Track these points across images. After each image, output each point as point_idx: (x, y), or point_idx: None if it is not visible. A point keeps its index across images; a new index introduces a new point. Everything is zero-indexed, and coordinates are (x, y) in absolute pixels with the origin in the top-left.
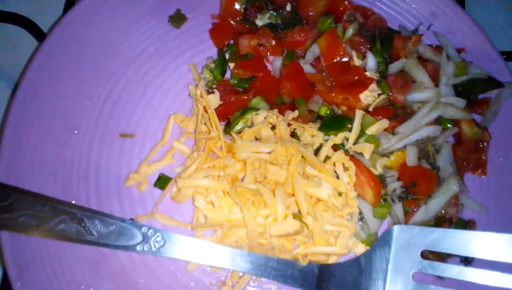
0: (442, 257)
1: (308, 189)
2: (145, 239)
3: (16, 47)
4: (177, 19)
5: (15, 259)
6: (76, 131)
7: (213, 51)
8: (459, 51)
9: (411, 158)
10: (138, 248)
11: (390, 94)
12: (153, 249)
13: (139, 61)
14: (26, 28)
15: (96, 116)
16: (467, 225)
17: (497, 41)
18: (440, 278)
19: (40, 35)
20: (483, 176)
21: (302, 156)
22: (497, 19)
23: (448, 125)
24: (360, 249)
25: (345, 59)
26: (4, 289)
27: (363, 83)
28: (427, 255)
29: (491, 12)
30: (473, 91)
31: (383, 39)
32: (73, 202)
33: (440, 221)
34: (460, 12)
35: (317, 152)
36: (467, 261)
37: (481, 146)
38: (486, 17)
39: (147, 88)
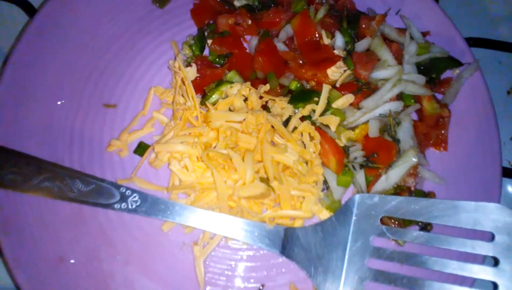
0: (402, 226)
1: (275, 155)
2: (123, 198)
3: (8, 22)
4: None
5: (1, 213)
6: (62, 101)
7: (194, 30)
8: (424, 34)
9: (373, 130)
10: (116, 206)
11: (355, 70)
12: (130, 207)
13: (124, 37)
14: (17, 4)
15: (82, 87)
16: (426, 196)
17: (467, 28)
18: (399, 244)
19: (31, 11)
20: (444, 152)
21: (272, 126)
22: (470, 7)
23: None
24: (325, 215)
25: (316, 39)
26: None
27: (331, 60)
28: (387, 222)
29: (461, 6)
30: (435, 69)
31: (350, 19)
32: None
33: (400, 191)
34: None
35: (286, 123)
36: (425, 229)
37: (442, 122)
38: (459, 5)
39: (131, 62)
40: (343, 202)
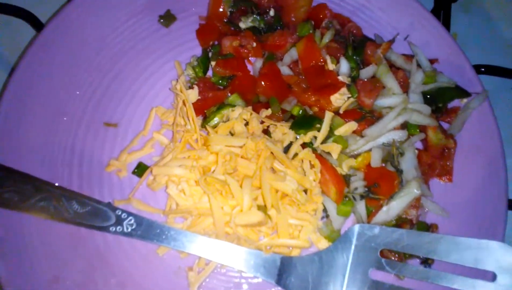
0: (402, 258)
1: (274, 182)
2: (119, 221)
3: (16, 36)
4: (167, 18)
5: None
6: (65, 118)
7: (198, 51)
8: (432, 61)
9: (376, 160)
10: (111, 229)
11: (359, 97)
12: (126, 231)
13: (128, 55)
14: (25, 20)
15: (84, 104)
16: (429, 228)
17: (478, 55)
18: (399, 278)
19: (38, 26)
20: (449, 183)
21: (272, 152)
22: (481, 33)
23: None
24: (323, 244)
25: (320, 64)
26: None
27: (335, 87)
28: (387, 254)
29: (475, 26)
30: (441, 99)
31: (356, 46)
32: (57, 184)
33: (401, 222)
34: (436, 24)
35: (287, 149)
36: (426, 263)
37: (447, 152)
38: (470, 31)
39: (134, 81)
40: (342, 231)
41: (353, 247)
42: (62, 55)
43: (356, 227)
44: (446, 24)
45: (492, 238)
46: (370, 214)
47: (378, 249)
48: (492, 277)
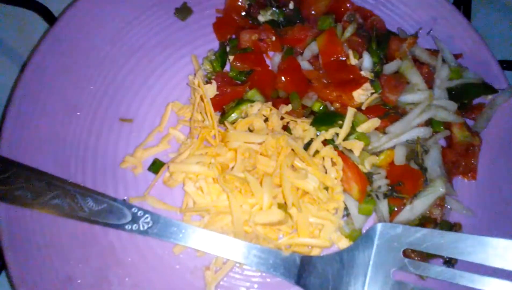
0: (425, 257)
1: (294, 180)
2: (134, 219)
3: (28, 29)
4: (183, 11)
5: (9, 230)
6: (78, 113)
7: (215, 44)
8: (457, 56)
9: (399, 157)
10: (127, 227)
11: (382, 93)
12: (141, 229)
13: (143, 49)
14: (38, 12)
15: (98, 99)
16: (452, 227)
17: (499, 50)
18: (422, 278)
19: (51, 19)
20: (473, 181)
21: (292, 149)
22: (502, 28)
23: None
24: (344, 243)
25: (342, 58)
26: None
27: (357, 82)
28: (410, 254)
29: (495, 21)
30: (467, 95)
31: (380, 40)
32: (70, 180)
33: (424, 222)
34: (460, 18)
35: (307, 146)
36: (449, 263)
37: (472, 150)
38: (491, 26)
39: (149, 76)
40: (363, 230)
41: (375, 246)
42: (75, 49)
43: (378, 226)
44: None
45: None
46: (392, 213)
47: (401, 248)
48: None
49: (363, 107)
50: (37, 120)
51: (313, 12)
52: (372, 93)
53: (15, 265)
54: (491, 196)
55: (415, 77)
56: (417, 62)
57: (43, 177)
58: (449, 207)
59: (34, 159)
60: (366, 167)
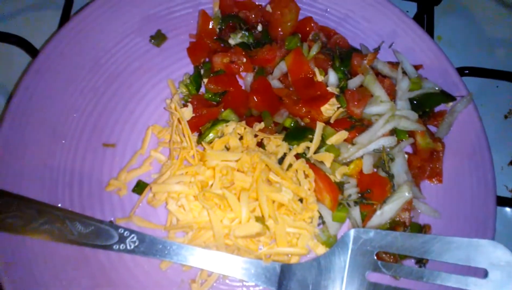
0: (397, 259)
1: (270, 194)
2: (121, 239)
3: (12, 63)
4: (158, 38)
5: (3, 256)
6: (63, 141)
7: (190, 68)
8: (417, 67)
9: (367, 166)
10: (115, 247)
11: (348, 107)
12: (129, 248)
13: (122, 76)
14: (20, 47)
15: (82, 126)
16: (422, 229)
17: (463, 56)
18: (395, 278)
19: (34, 52)
20: (439, 184)
21: (266, 164)
22: (464, 35)
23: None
24: (321, 250)
25: (309, 75)
26: None
27: (325, 97)
28: (383, 256)
29: (458, 28)
30: (427, 104)
31: (343, 57)
32: (59, 205)
33: (395, 225)
34: (419, 31)
35: (281, 160)
36: (421, 262)
37: (436, 155)
38: (454, 33)
39: (129, 102)
40: (339, 236)
41: (349, 251)
42: (58, 80)
43: (352, 232)
44: (430, 28)
45: (484, 235)
46: (365, 218)
47: (374, 251)
48: (484, 274)
49: (331, 121)
50: (24, 150)
51: (280, 33)
52: (338, 108)
53: (10, 288)
54: (457, 198)
55: (377, 90)
56: (380, 76)
57: (33, 204)
58: (418, 209)
59: (23, 187)
60: (337, 177)
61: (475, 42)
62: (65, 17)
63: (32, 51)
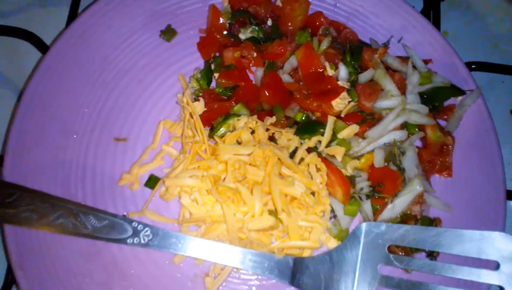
0: (409, 252)
1: (283, 188)
2: (135, 233)
3: (22, 59)
4: (168, 33)
5: (18, 250)
6: (74, 136)
7: (200, 63)
8: (426, 62)
9: (378, 160)
10: (128, 241)
11: (359, 101)
12: (142, 242)
13: (132, 72)
14: (30, 41)
15: (93, 121)
16: (432, 222)
17: (469, 51)
18: (407, 271)
19: (43, 48)
20: (449, 178)
21: (279, 158)
22: (470, 29)
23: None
24: (333, 243)
25: (320, 70)
26: (7, 280)
27: (335, 92)
28: (394, 250)
29: (464, 23)
30: (437, 98)
31: (353, 51)
32: (72, 200)
33: (406, 218)
34: (427, 25)
35: (293, 154)
36: (432, 255)
37: (446, 149)
38: (460, 28)
39: (140, 97)
40: (350, 230)
41: (361, 244)
42: (68, 75)
43: (363, 225)
44: (436, 23)
45: (493, 227)
46: (376, 212)
47: (386, 245)
48: (495, 266)
49: (342, 115)
50: (37, 145)
51: (290, 27)
52: (349, 102)
53: (24, 282)
54: (467, 191)
55: (388, 84)
56: (390, 70)
57: (47, 198)
58: (428, 203)
59: (37, 182)
60: (348, 171)
61: (480, 37)
62: (73, 13)
63: (42, 46)
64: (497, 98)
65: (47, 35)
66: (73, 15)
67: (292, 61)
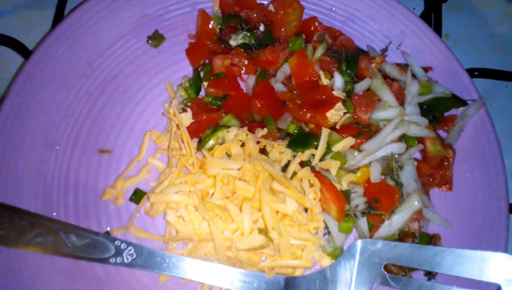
0: (406, 270)
1: (274, 204)
2: (118, 252)
3: (5, 65)
4: (155, 39)
5: None
6: (57, 147)
7: (189, 70)
8: (426, 69)
9: (375, 175)
10: (111, 260)
11: (355, 112)
12: (126, 261)
13: (118, 79)
14: (12, 47)
15: (76, 132)
16: (431, 239)
17: (471, 56)
18: None
19: (26, 53)
20: (449, 192)
21: (270, 173)
22: (472, 33)
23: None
24: (327, 262)
25: (314, 79)
26: None
27: (330, 102)
28: (391, 268)
29: (466, 26)
30: (438, 109)
31: (349, 59)
32: (54, 214)
33: (403, 236)
34: (428, 31)
35: (285, 168)
36: (430, 274)
37: (446, 162)
38: (462, 31)
39: (125, 106)
40: (345, 247)
41: (356, 262)
42: (50, 83)
43: (359, 243)
44: (438, 26)
45: (496, 245)
46: (372, 228)
47: (382, 263)
48: (497, 289)
49: (337, 127)
50: (16, 156)
51: (283, 33)
52: (345, 113)
53: None
54: (468, 207)
55: (386, 95)
56: (388, 78)
57: (25, 215)
58: (427, 218)
59: (16, 197)
60: (343, 185)
61: (483, 40)
62: (59, 16)
63: (25, 52)
64: (500, 104)
65: (32, 40)
66: (58, 19)
67: (285, 69)
